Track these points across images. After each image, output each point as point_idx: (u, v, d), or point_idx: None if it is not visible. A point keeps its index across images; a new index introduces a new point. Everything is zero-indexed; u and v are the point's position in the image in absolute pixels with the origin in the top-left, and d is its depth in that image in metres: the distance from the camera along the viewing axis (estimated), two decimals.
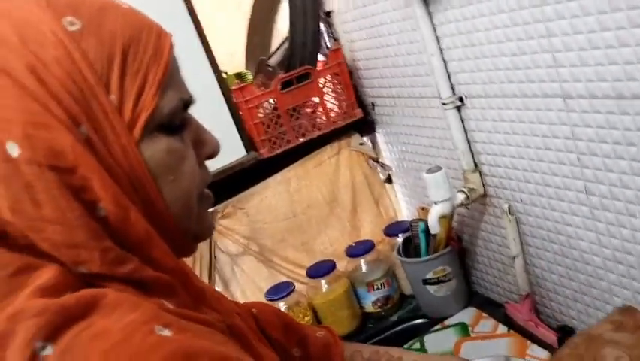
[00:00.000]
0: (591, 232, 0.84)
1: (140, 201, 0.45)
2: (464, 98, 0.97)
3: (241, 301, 0.96)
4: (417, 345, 1.09)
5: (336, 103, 1.27)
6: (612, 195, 0.77)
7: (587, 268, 0.88)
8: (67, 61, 0.41)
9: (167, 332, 0.39)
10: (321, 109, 1.25)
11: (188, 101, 0.49)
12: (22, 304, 0.39)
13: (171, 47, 0.47)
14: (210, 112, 1.11)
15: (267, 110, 1.21)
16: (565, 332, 0.96)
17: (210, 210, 1.16)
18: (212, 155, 0.52)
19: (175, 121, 0.47)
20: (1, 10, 0.42)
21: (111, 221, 0.42)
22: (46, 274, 0.41)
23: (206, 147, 0.51)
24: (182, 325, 0.41)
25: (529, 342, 0.99)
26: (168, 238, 0.46)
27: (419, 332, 1.14)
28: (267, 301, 1.15)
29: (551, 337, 0.96)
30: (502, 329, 1.05)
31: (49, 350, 0.37)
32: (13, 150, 0.40)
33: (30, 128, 0.40)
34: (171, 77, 0.46)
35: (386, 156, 1.35)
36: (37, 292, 0.40)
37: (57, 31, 0.41)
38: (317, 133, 1.24)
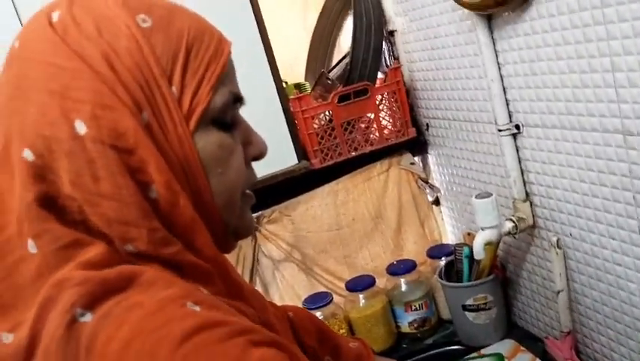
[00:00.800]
0: None
1: (189, 189, 0.47)
2: (521, 126, 0.96)
3: None
4: None
5: (391, 121, 1.28)
6: None
7: (633, 310, 0.85)
8: (137, 53, 0.45)
9: (197, 308, 0.41)
10: (375, 125, 1.26)
11: (238, 96, 0.52)
12: (67, 274, 0.42)
13: (229, 51, 0.51)
14: (267, 119, 1.16)
15: (322, 122, 1.23)
16: None
17: (256, 215, 1.20)
18: (260, 156, 0.55)
19: (227, 117, 0.50)
20: (84, 6, 0.47)
21: (161, 204, 0.45)
22: (94, 250, 0.43)
23: (253, 147, 0.54)
24: (213, 304, 0.43)
25: None
26: (211, 230, 0.49)
27: (453, 358, 1.12)
28: None
29: None
30: None
31: (88, 317, 0.40)
32: (81, 128, 0.43)
33: (98, 108, 0.44)
34: (227, 76, 0.50)
35: (436, 178, 1.35)
36: (81, 266, 0.42)
37: (131, 26, 0.46)
38: (369, 148, 1.25)
